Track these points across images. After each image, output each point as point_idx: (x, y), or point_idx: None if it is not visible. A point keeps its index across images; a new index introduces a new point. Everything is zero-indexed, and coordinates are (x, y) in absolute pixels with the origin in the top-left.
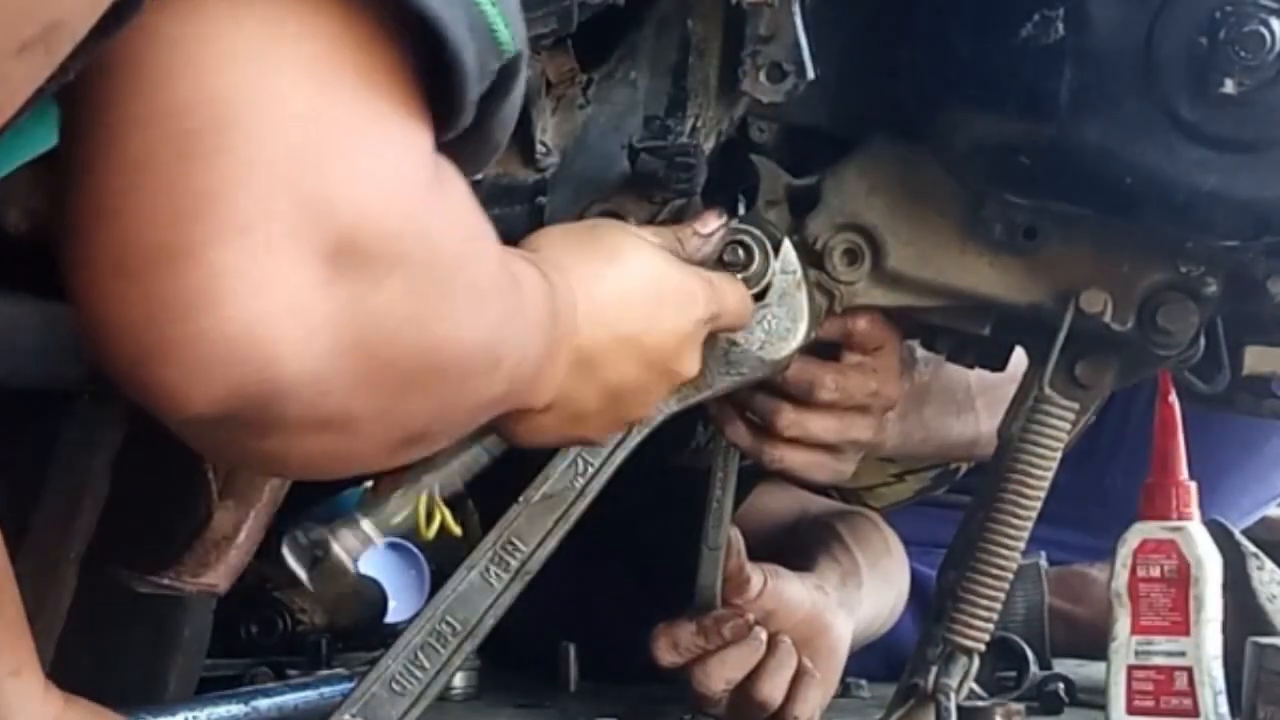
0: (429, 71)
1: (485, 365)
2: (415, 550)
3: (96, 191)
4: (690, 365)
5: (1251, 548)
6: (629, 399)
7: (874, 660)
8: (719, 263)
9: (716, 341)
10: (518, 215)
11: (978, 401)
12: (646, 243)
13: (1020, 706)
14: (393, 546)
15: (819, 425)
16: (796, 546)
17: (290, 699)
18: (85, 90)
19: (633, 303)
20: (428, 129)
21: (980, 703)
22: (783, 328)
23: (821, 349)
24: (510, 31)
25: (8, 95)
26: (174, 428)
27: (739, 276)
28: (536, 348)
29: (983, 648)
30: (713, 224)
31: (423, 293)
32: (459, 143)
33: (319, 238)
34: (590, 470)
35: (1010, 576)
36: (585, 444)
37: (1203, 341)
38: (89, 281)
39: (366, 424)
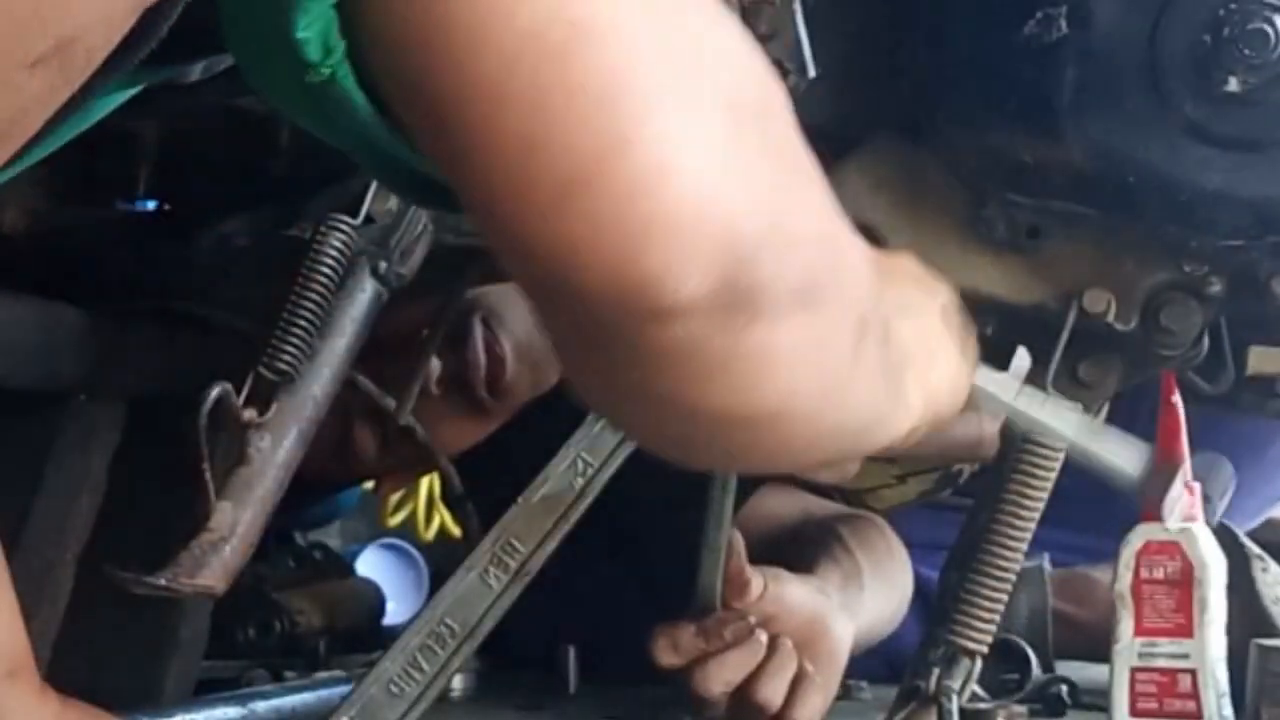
0: None
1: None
2: (414, 551)
3: (507, 135)
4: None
5: (1256, 549)
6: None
7: (876, 662)
8: None
9: None
10: None
11: None
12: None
13: (1023, 709)
14: (391, 548)
15: None
16: (798, 549)
17: (288, 701)
18: (420, 71)
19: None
20: None
21: (982, 705)
22: None
23: None
24: None
25: (20, 108)
26: (670, 339)
27: None
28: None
29: (985, 650)
30: None
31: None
32: None
33: (716, 90)
34: (590, 471)
35: (1013, 578)
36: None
37: (1206, 341)
38: (540, 216)
39: (826, 290)
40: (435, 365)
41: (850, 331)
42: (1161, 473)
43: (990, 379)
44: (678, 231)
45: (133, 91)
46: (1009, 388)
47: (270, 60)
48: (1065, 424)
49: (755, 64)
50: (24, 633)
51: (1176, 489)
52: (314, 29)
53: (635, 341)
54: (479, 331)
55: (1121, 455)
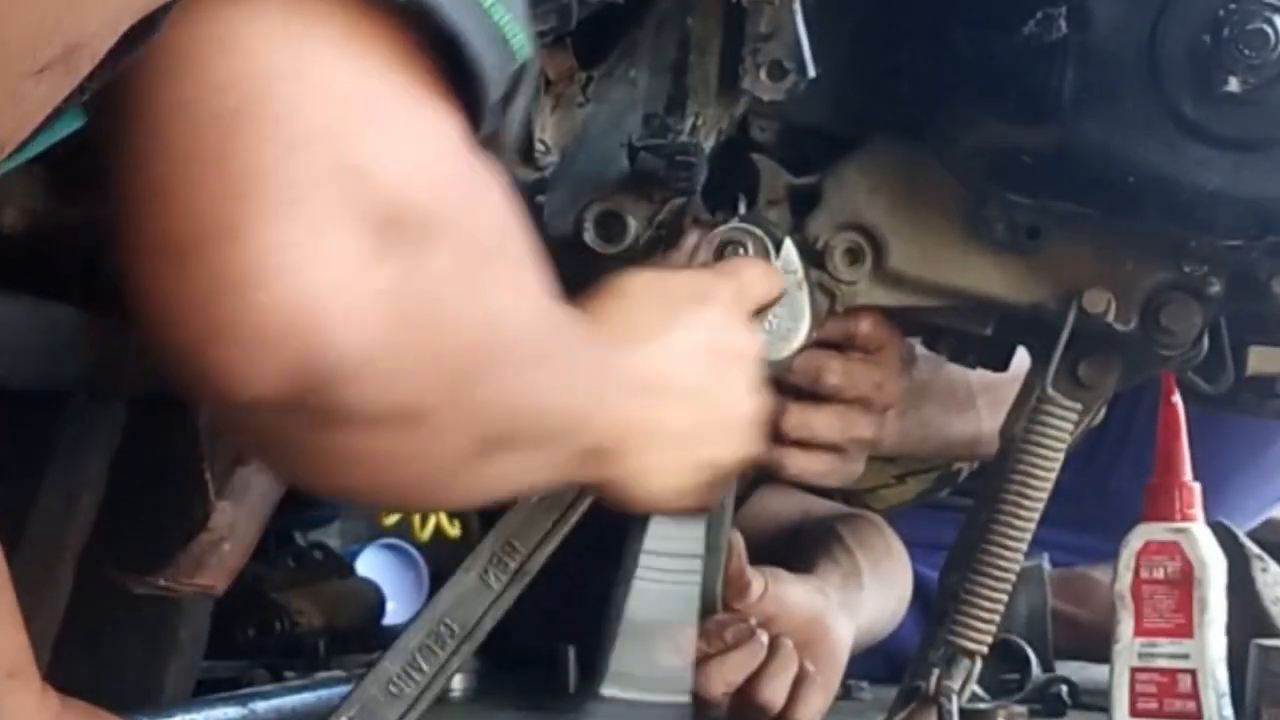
0: (449, 81)
1: (542, 353)
2: (413, 552)
3: (144, 177)
4: (747, 340)
5: (1255, 549)
6: (713, 396)
7: (876, 662)
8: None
9: None
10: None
11: (979, 400)
12: (641, 270)
13: (1023, 709)
14: (391, 548)
15: (824, 424)
16: (797, 549)
17: (288, 701)
18: (122, 82)
19: (651, 312)
20: (459, 117)
21: (982, 705)
22: (784, 328)
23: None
24: (522, 39)
25: (26, 114)
26: (239, 421)
27: None
28: (587, 365)
29: (985, 650)
30: (693, 239)
31: (471, 264)
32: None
33: (365, 208)
34: None
35: (1013, 578)
36: (715, 478)
37: (1206, 342)
38: (144, 266)
39: (438, 416)
40: None
41: (464, 448)
42: (1161, 474)
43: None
44: (254, 336)
45: None
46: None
47: None
48: None
49: (441, 182)
50: (24, 633)
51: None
52: None
53: (220, 411)
54: None
55: None
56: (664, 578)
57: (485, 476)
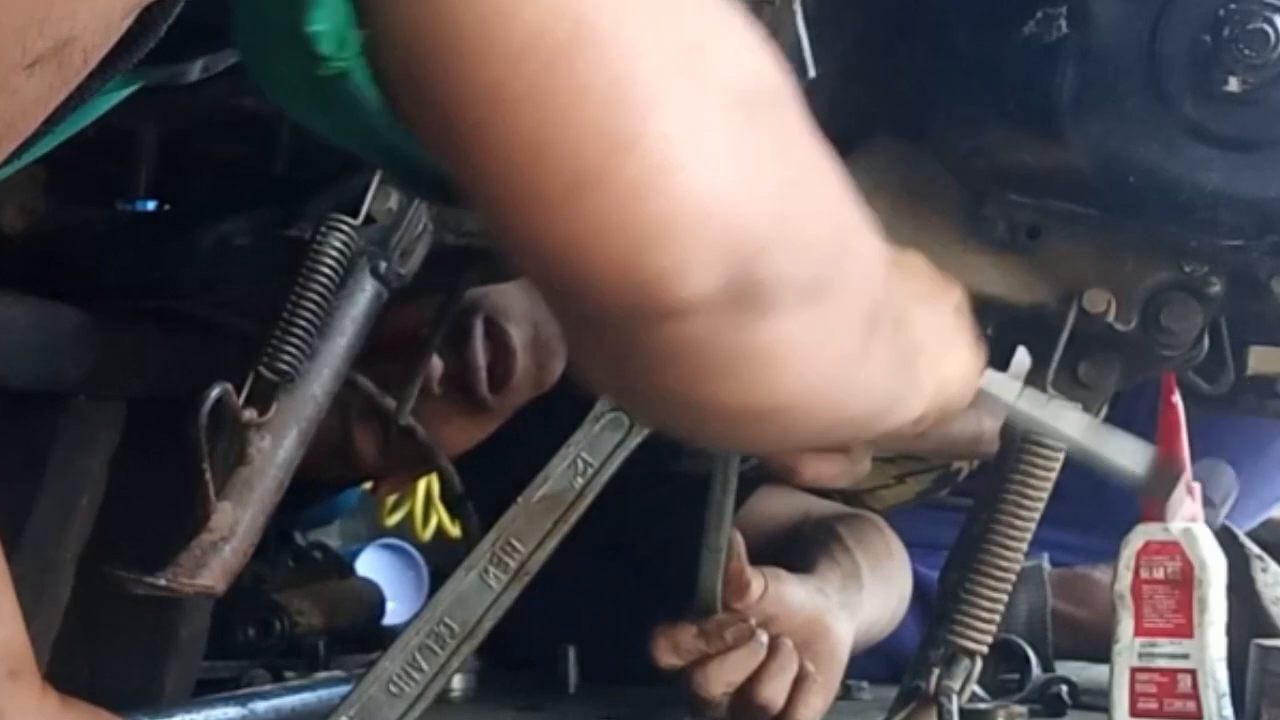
0: None
1: (870, 225)
2: (413, 551)
3: (514, 137)
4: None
5: (1256, 549)
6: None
7: (876, 662)
8: None
9: None
10: None
11: None
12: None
13: (1023, 709)
14: (391, 548)
15: None
16: (797, 549)
17: (288, 701)
18: (423, 72)
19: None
20: None
21: (982, 705)
22: None
23: None
24: None
25: (19, 109)
26: (675, 337)
27: None
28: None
29: (985, 650)
30: None
31: (806, 140)
32: None
33: (723, 86)
34: (590, 471)
35: (1013, 578)
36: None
37: (1206, 342)
38: (547, 217)
39: (838, 286)
40: (437, 365)
41: (859, 323)
42: (1163, 473)
43: (994, 380)
44: (684, 230)
45: (133, 88)
46: (1012, 389)
47: (279, 54)
48: (1068, 424)
49: (762, 57)
50: (24, 632)
51: (1180, 493)
52: (328, 22)
53: (643, 339)
54: (480, 331)
55: (1125, 455)
56: None
57: (876, 362)
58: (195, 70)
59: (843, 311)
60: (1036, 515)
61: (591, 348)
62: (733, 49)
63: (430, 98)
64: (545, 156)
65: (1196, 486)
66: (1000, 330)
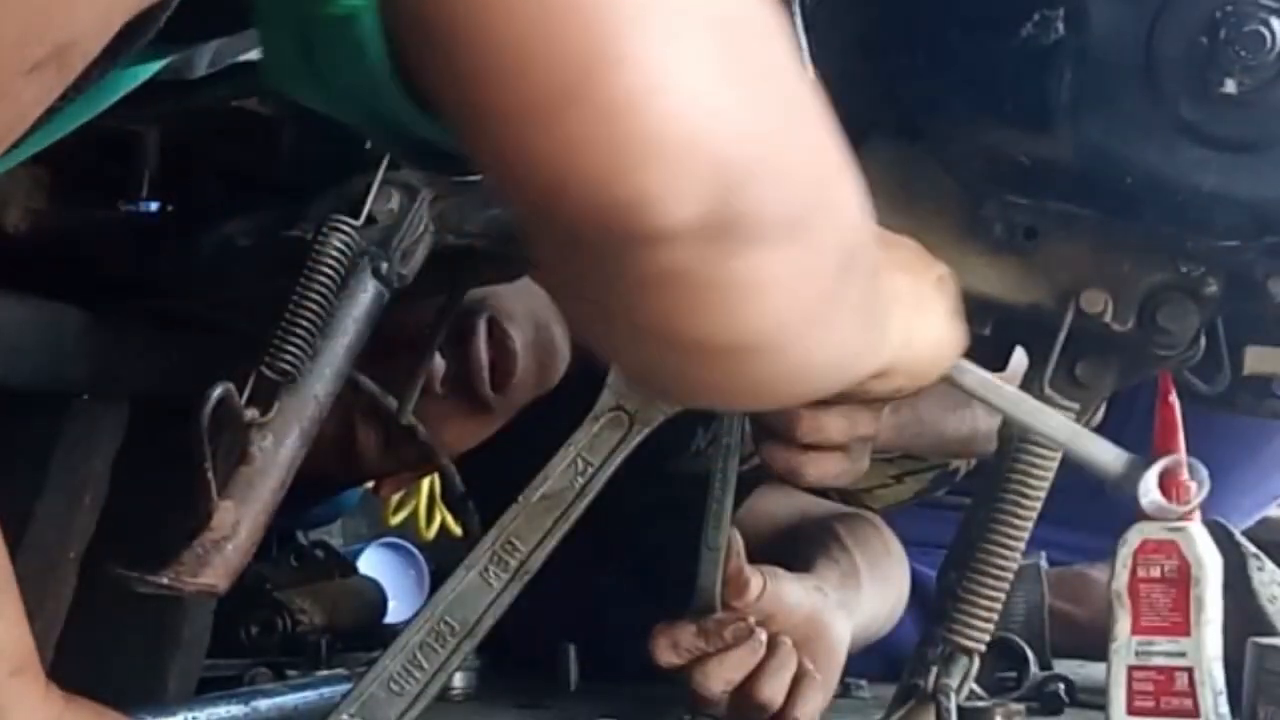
0: None
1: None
2: (415, 550)
3: (503, 49)
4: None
5: (1252, 548)
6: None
7: (874, 661)
8: None
9: None
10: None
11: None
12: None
13: (1020, 707)
14: (392, 546)
15: (833, 426)
16: (796, 548)
17: (290, 699)
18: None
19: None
20: None
21: (980, 703)
22: None
23: None
24: None
25: (18, 114)
26: (656, 266)
27: None
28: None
29: (983, 648)
30: None
31: (796, 78)
32: None
33: (712, 23)
34: (590, 470)
35: (1010, 577)
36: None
37: (1203, 341)
38: (528, 124)
39: (818, 220)
40: (439, 365)
41: (836, 263)
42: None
43: (970, 368)
44: (668, 152)
45: (143, 76)
46: (988, 381)
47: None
48: (1053, 426)
49: (766, 8)
50: (29, 631)
51: (1149, 481)
52: None
53: (621, 265)
54: (482, 331)
55: (1101, 454)
56: None
57: (846, 307)
58: (203, 64)
59: (820, 250)
60: (1034, 514)
61: (568, 281)
62: None
63: (427, 17)
64: (529, 69)
65: (1193, 485)
66: (998, 330)
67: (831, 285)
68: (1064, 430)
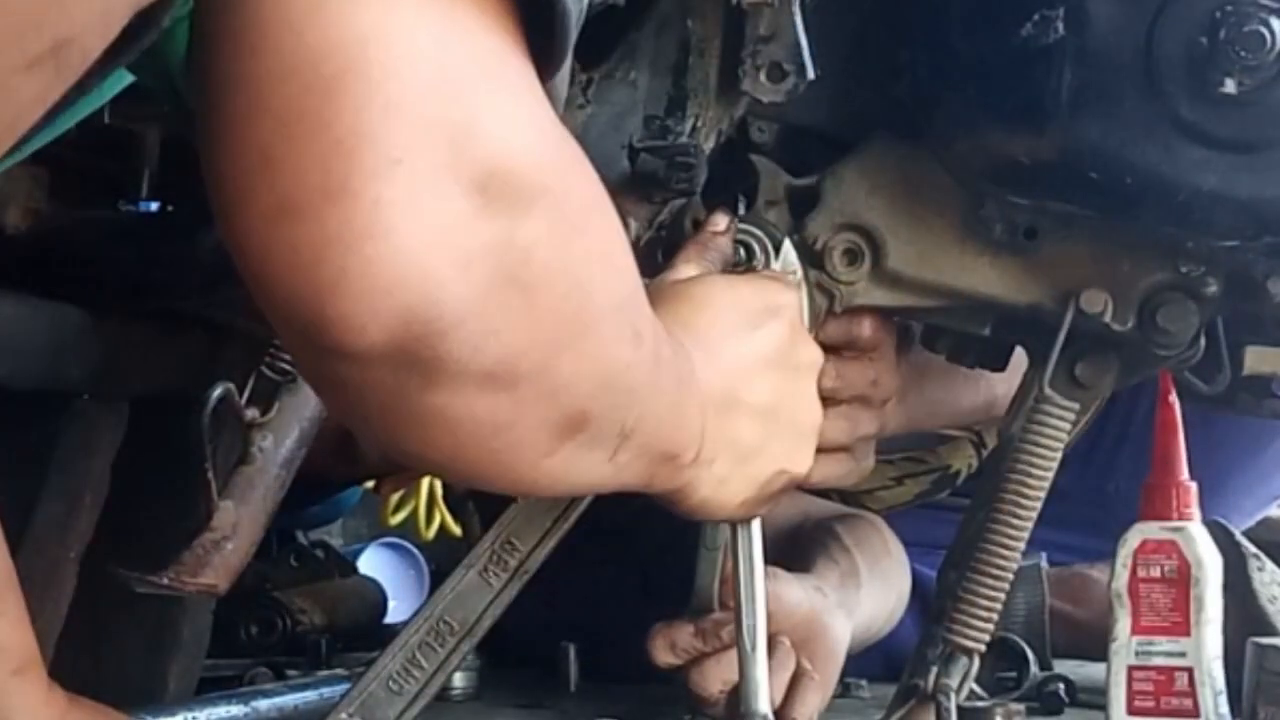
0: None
1: (627, 330)
2: (415, 550)
3: (250, 143)
4: (812, 351)
5: (1252, 548)
6: (785, 410)
7: (874, 661)
8: None
9: None
10: None
11: None
12: (711, 276)
13: (1020, 707)
14: (392, 546)
15: (834, 428)
16: (795, 548)
17: (290, 699)
18: (212, 50)
19: (728, 323)
20: (537, 73)
21: (980, 703)
22: None
23: None
24: None
25: (16, 111)
26: (344, 378)
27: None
28: (673, 364)
29: (983, 648)
30: (723, 221)
31: (565, 228)
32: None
33: (468, 167)
34: None
35: (1010, 577)
36: (780, 491)
37: (1203, 342)
38: (252, 228)
39: (529, 383)
40: None
41: (551, 423)
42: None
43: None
44: (365, 289)
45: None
46: None
47: None
48: None
49: (536, 140)
50: (31, 630)
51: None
52: None
53: (317, 368)
54: None
55: None
56: None
57: (564, 461)
58: None
59: (529, 407)
60: (1034, 514)
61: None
62: (507, 126)
63: (207, 71)
64: (268, 171)
65: (1193, 486)
66: (998, 330)
67: (541, 440)
68: None
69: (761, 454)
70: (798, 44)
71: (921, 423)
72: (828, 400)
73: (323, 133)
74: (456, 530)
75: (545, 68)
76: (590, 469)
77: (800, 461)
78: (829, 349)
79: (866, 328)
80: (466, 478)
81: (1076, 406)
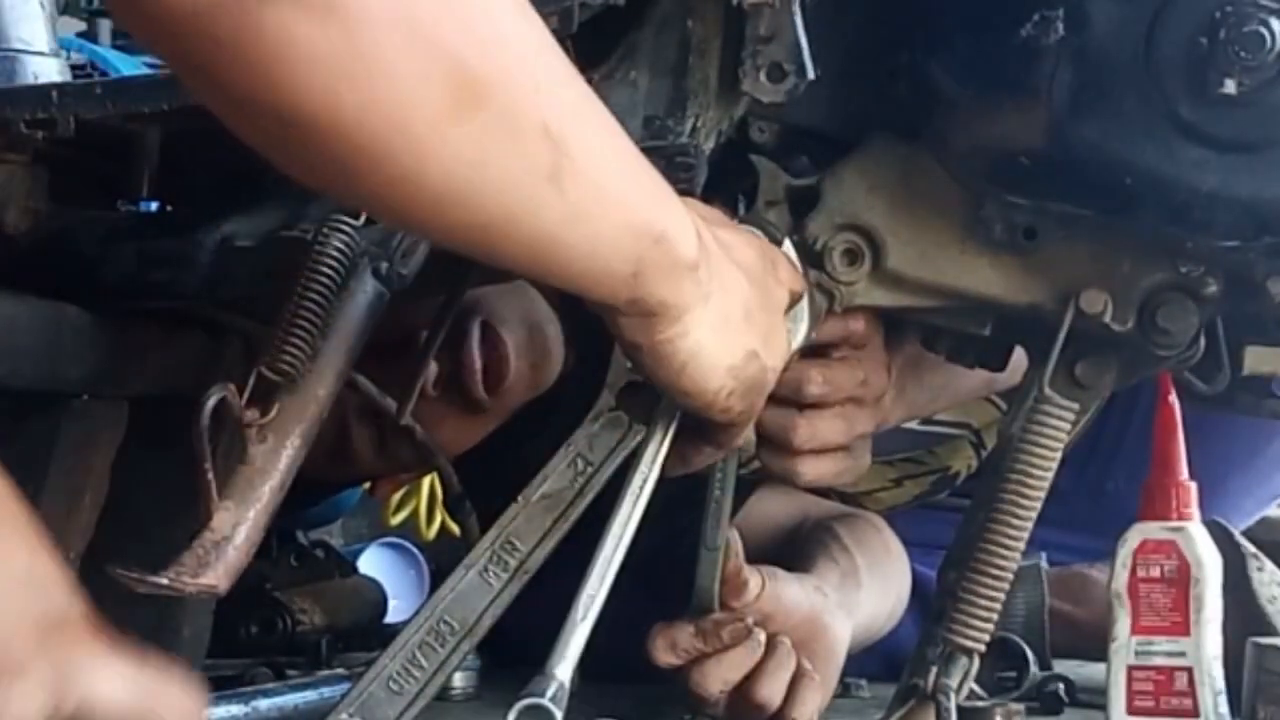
0: None
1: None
2: (415, 550)
3: None
4: (783, 291)
5: (1251, 548)
6: (762, 290)
7: (874, 661)
8: None
9: None
10: None
11: None
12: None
13: (1020, 707)
14: (392, 546)
15: (829, 429)
16: (796, 548)
17: (290, 699)
18: None
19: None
20: None
21: (980, 703)
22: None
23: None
24: None
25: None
26: (177, 28)
27: None
28: (624, 144)
29: (983, 648)
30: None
31: None
32: None
33: None
34: (590, 470)
35: (1010, 577)
36: (757, 383)
37: (1203, 342)
38: None
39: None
40: (432, 367)
41: (432, 77)
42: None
43: None
44: None
45: None
46: None
47: None
48: None
49: None
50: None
51: None
52: None
53: (169, 26)
54: (475, 333)
55: None
56: None
57: (473, 142)
58: None
59: (390, 38)
60: (1034, 514)
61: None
62: None
63: None
64: None
65: (1193, 486)
66: (998, 330)
67: (435, 93)
68: None
69: (748, 320)
70: (798, 44)
71: (924, 409)
72: (819, 406)
73: None
74: (457, 530)
75: None
76: (523, 178)
77: (773, 352)
78: (821, 350)
79: (861, 326)
80: (357, 144)
81: (1076, 406)
